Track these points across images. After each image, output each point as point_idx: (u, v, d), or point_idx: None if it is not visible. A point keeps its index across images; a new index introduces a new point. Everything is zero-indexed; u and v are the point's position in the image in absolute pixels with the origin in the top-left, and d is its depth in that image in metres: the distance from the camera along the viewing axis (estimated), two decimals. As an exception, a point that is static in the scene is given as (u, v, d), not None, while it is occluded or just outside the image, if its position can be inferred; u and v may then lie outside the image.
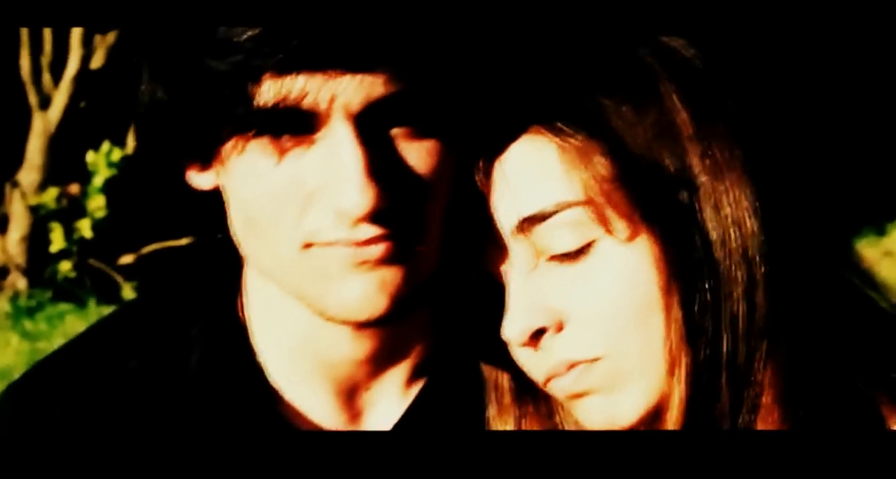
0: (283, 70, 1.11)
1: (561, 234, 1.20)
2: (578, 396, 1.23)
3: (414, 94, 1.15)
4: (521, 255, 1.22)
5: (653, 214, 1.18)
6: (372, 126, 1.15)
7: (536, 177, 1.20)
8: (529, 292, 1.22)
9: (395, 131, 1.17)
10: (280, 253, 1.20)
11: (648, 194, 1.18)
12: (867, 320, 1.24)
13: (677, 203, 1.18)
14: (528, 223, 1.20)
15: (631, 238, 1.18)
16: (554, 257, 1.21)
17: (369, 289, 1.18)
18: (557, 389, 1.24)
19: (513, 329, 1.22)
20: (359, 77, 1.12)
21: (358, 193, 1.13)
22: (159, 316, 1.35)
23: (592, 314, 1.20)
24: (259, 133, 1.15)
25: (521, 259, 1.23)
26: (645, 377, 1.20)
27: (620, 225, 1.18)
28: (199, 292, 1.36)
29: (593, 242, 1.19)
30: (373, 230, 1.16)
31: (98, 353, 1.34)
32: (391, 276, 1.19)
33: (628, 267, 1.19)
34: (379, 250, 1.17)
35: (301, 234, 1.18)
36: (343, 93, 1.12)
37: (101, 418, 1.29)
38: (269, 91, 1.12)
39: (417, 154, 1.18)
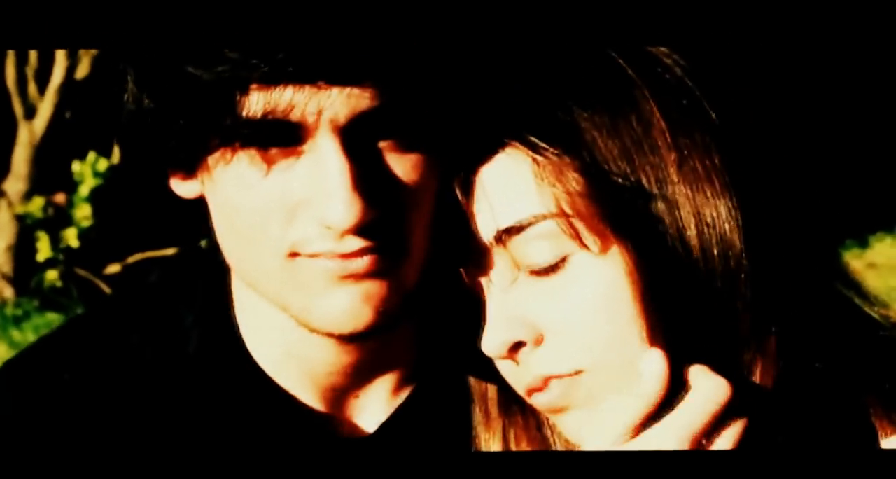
0: (269, 82, 1.11)
1: (537, 246, 1.20)
2: (560, 410, 1.23)
3: (399, 107, 1.15)
4: (500, 268, 1.23)
5: (626, 228, 1.18)
6: (358, 139, 1.15)
7: (513, 190, 1.21)
8: (508, 305, 1.23)
9: (381, 144, 1.17)
10: (264, 263, 1.20)
11: (621, 209, 1.18)
12: (855, 329, 1.24)
13: (653, 215, 1.18)
14: (506, 235, 1.21)
15: (604, 251, 1.19)
16: (532, 271, 1.21)
17: (354, 302, 1.19)
18: (538, 403, 1.24)
19: (491, 343, 1.23)
20: (346, 90, 1.13)
21: (344, 206, 1.14)
22: (157, 305, 1.36)
23: (570, 328, 1.20)
24: (245, 144, 1.15)
25: (500, 272, 1.23)
26: (626, 391, 1.20)
27: (593, 239, 1.18)
28: (194, 290, 1.36)
29: (568, 255, 1.19)
30: (358, 243, 1.17)
31: (94, 333, 1.34)
32: (376, 289, 1.19)
33: (603, 281, 1.19)
34: (364, 263, 1.18)
35: (286, 244, 1.18)
36: (330, 106, 1.13)
37: (94, 398, 1.30)
38: (256, 102, 1.12)
39: (403, 167, 1.18)
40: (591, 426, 1.22)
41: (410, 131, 1.18)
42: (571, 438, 1.25)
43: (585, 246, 1.19)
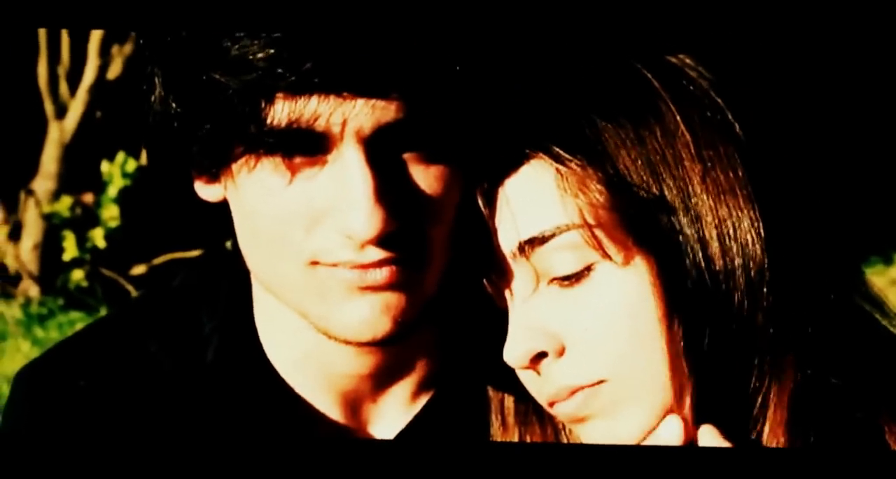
0: (295, 91, 1.12)
1: (560, 257, 1.20)
2: (581, 420, 1.24)
3: (424, 119, 1.16)
4: (522, 278, 1.23)
5: (649, 239, 1.19)
6: (382, 150, 1.16)
7: (536, 201, 1.21)
8: (530, 315, 1.23)
9: (404, 156, 1.18)
10: (284, 270, 1.21)
11: (644, 220, 1.18)
12: (876, 345, 1.24)
13: (676, 227, 1.19)
14: (529, 246, 1.21)
15: (627, 262, 1.19)
16: (554, 281, 1.21)
17: (373, 312, 1.19)
18: (560, 413, 1.24)
19: (513, 353, 1.23)
20: (371, 102, 1.13)
21: (366, 216, 1.14)
22: (179, 311, 1.37)
23: (593, 339, 1.21)
24: (269, 152, 1.16)
25: (521, 282, 1.23)
26: (648, 401, 1.21)
27: (615, 250, 1.19)
28: (217, 295, 1.37)
29: (592, 265, 1.20)
30: (379, 254, 1.17)
31: (113, 340, 1.35)
32: (395, 299, 1.20)
33: (626, 291, 1.19)
34: (384, 273, 1.18)
35: (307, 252, 1.19)
36: (355, 117, 1.13)
37: (110, 405, 1.31)
38: (282, 111, 1.13)
39: (426, 179, 1.19)
40: (611, 435, 1.22)
41: (434, 143, 1.18)
42: None
43: (608, 257, 1.19)
